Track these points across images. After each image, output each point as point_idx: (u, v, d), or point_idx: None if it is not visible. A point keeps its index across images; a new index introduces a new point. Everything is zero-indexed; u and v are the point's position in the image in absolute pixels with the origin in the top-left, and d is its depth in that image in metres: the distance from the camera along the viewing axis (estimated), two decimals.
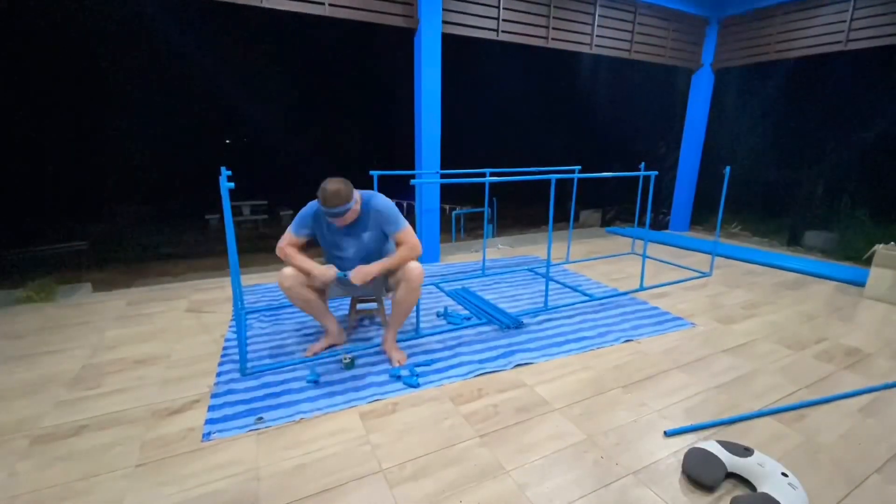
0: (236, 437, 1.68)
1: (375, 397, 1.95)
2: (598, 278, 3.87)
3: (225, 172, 1.92)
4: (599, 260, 4.56)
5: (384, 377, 2.13)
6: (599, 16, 4.88)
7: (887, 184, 5.63)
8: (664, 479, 1.50)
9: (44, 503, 1.37)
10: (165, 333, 2.61)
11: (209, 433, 1.69)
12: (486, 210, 4.25)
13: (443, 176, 4.28)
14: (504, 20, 4.29)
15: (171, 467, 1.52)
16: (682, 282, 3.80)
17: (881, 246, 3.45)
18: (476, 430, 1.74)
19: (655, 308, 3.13)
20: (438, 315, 2.92)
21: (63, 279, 3.67)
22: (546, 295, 3.06)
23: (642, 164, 3.80)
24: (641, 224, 5.51)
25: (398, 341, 2.45)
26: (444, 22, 3.97)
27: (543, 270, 4.00)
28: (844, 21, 4.53)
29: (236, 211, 9.19)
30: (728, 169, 3.70)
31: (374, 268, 2.06)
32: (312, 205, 2.16)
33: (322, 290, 2.27)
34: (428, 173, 4.07)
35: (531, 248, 5.12)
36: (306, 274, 2.11)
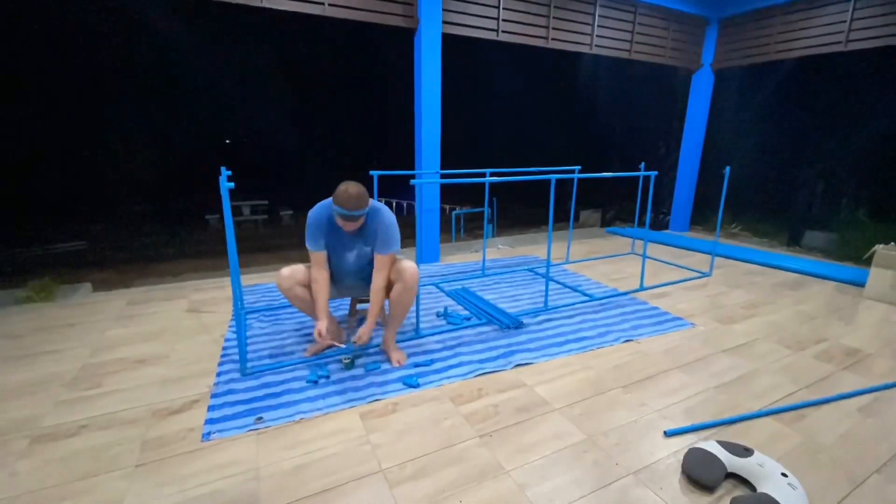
0: (236, 437, 1.68)
1: (375, 397, 1.95)
2: (598, 278, 3.87)
3: (225, 172, 1.92)
4: (599, 260, 4.56)
5: (384, 377, 2.13)
6: (599, 16, 4.88)
7: (887, 184, 5.63)
8: (664, 479, 1.50)
9: (44, 503, 1.37)
10: (165, 333, 2.61)
11: (209, 433, 1.69)
12: (486, 210, 4.25)
13: (443, 176, 4.28)
14: (504, 20, 4.29)
15: (170, 467, 1.52)
16: (682, 282, 3.80)
17: (881, 246, 3.45)
18: (476, 430, 1.74)
19: (655, 308, 3.13)
20: (438, 315, 2.92)
21: (63, 279, 3.67)
22: (546, 295, 3.06)
23: (642, 164, 3.80)
24: (641, 224, 5.51)
25: (398, 341, 2.45)
26: (444, 22, 3.97)
27: (543, 270, 4.00)
28: (844, 21, 4.53)
29: (236, 211, 9.20)
30: (728, 169, 3.70)
31: (371, 324, 2.13)
32: (317, 212, 2.13)
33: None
34: (428, 173, 4.07)
35: (531, 248, 5.12)
36: (314, 314, 2.19)
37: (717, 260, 4.49)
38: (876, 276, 3.44)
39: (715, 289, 3.65)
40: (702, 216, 6.56)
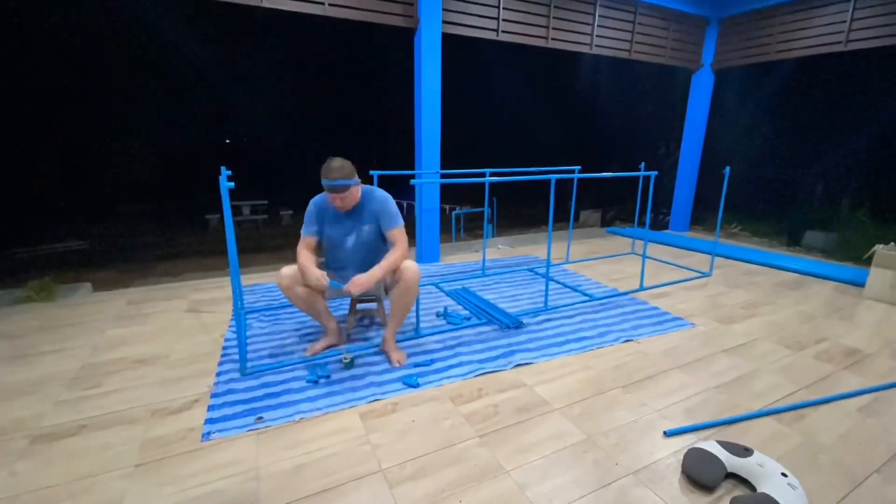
0: (236, 436, 1.68)
1: (375, 397, 1.95)
2: (598, 278, 3.87)
3: (225, 172, 1.92)
4: (599, 260, 4.56)
5: (384, 377, 2.13)
6: (599, 16, 4.88)
7: (887, 184, 5.64)
8: (664, 479, 1.50)
9: (44, 503, 1.37)
10: (165, 333, 2.61)
11: (209, 433, 1.69)
12: (486, 210, 4.25)
13: (443, 176, 4.28)
14: (504, 20, 4.29)
15: (170, 467, 1.52)
16: (682, 282, 3.80)
17: (881, 246, 3.45)
18: (476, 430, 1.74)
19: (655, 308, 3.13)
20: (438, 315, 2.92)
21: (63, 279, 3.67)
22: (546, 295, 3.06)
23: (642, 164, 3.80)
24: (641, 224, 5.51)
25: (398, 341, 2.45)
26: (444, 22, 3.97)
27: (543, 270, 4.00)
28: (844, 21, 4.53)
29: (236, 211, 9.20)
30: (728, 169, 3.70)
31: (370, 278, 2.03)
32: (316, 200, 2.22)
33: (321, 291, 2.27)
34: (428, 173, 4.07)
35: (531, 248, 5.12)
36: (301, 273, 2.12)
37: (717, 260, 4.49)
38: (876, 276, 3.44)
39: (715, 289, 3.65)
40: (702, 216, 6.56)
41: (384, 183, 3.54)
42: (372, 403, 1.92)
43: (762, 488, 1.39)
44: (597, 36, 4.93)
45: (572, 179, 3.54)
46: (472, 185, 6.26)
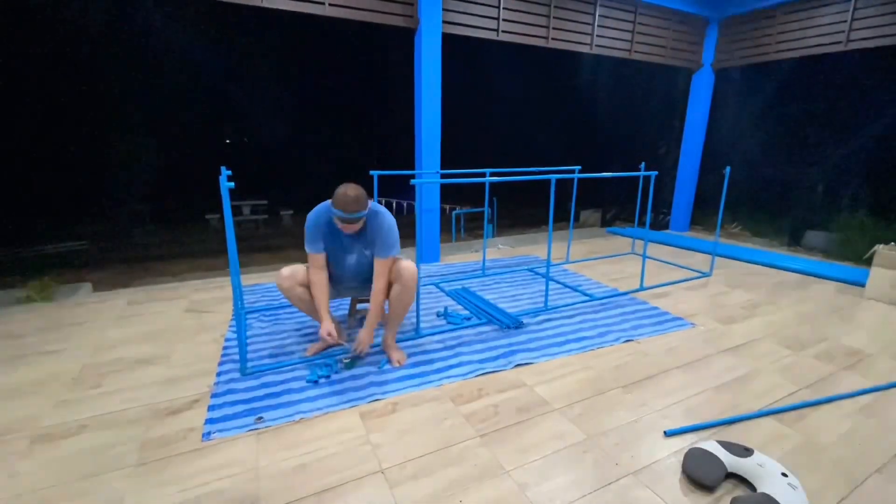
0: (236, 436, 1.68)
1: (375, 397, 1.95)
2: (598, 278, 3.87)
3: (225, 172, 1.92)
4: (599, 260, 4.56)
5: (384, 377, 2.13)
6: (599, 16, 4.88)
7: (887, 184, 5.63)
8: (664, 479, 1.50)
9: (44, 503, 1.37)
10: (165, 333, 2.61)
11: (209, 433, 1.69)
12: (486, 210, 4.25)
13: (443, 176, 4.28)
14: (504, 20, 4.29)
15: (171, 467, 1.52)
16: (682, 282, 3.80)
17: (881, 246, 3.45)
18: (476, 430, 1.74)
19: (655, 308, 3.13)
20: (438, 315, 2.92)
21: (63, 279, 3.67)
22: (546, 295, 3.06)
23: (642, 164, 3.80)
24: (641, 224, 5.50)
25: (399, 341, 2.45)
26: (444, 22, 3.97)
27: (543, 270, 4.00)
28: (845, 21, 4.53)
29: (236, 211, 9.20)
30: (728, 169, 3.70)
31: (370, 329, 2.14)
32: (316, 214, 2.13)
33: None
34: (428, 173, 4.07)
35: (531, 248, 5.12)
36: (315, 309, 2.19)
37: (718, 260, 4.49)
38: (876, 276, 3.44)
39: (715, 289, 3.65)
40: (702, 216, 6.56)
41: (384, 183, 3.55)
42: (372, 403, 1.92)
43: (762, 488, 1.39)
44: (597, 36, 4.93)
45: (572, 179, 3.54)
46: (472, 185, 6.26)
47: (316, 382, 2.06)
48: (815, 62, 5.17)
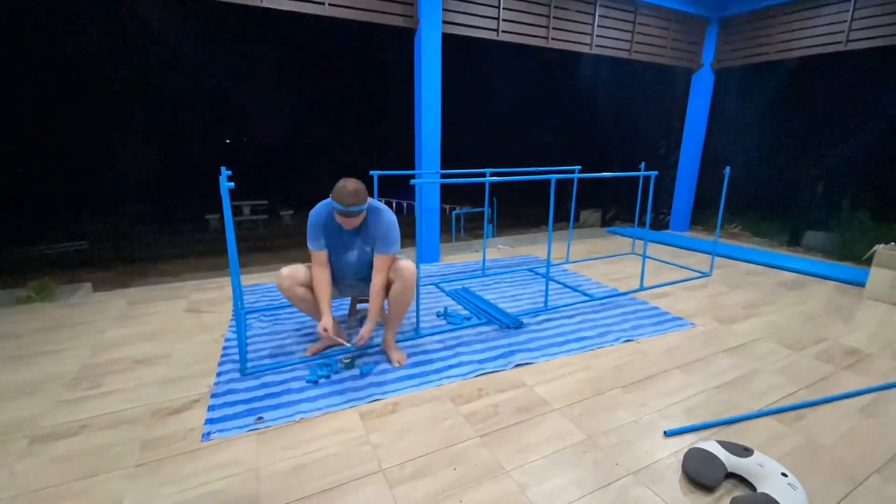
0: (236, 437, 1.68)
1: (375, 397, 1.95)
2: (598, 278, 3.87)
3: (225, 172, 1.92)
4: (599, 260, 4.56)
5: (384, 377, 2.13)
6: (599, 16, 4.88)
7: (887, 184, 5.63)
8: (664, 479, 1.50)
9: (44, 503, 1.37)
10: (165, 333, 2.61)
11: (209, 433, 1.69)
12: (486, 210, 4.25)
13: (443, 176, 4.28)
14: (504, 20, 4.29)
15: (170, 467, 1.52)
16: (682, 282, 3.80)
17: (881, 246, 3.45)
18: (476, 430, 1.74)
19: (655, 308, 3.13)
20: (438, 315, 2.92)
21: (63, 279, 3.67)
22: (546, 295, 3.06)
23: (642, 164, 3.80)
24: (641, 224, 5.50)
25: (399, 341, 2.45)
26: (444, 22, 3.97)
27: (543, 270, 4.00)
28: (844, 21, 4.53)
29: (236, 211, 9.20)
30: (728, 169, 3.70)
31: (371, 325, 2.13)
32: (317, 212, 2.15)
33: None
34: (428, 173, 4.07)
35: (531, 248, 5.12)
36: (316, 305, 2.19)
37: (718, 260, 4.49)
38: (876, 276, 3.44)
39: (715, 289, 3.65)
40: (702, 216, 6.56)
41: (384, 183, 3.55)
42: (372, 403, 1.92)
43: (762, 488, 1.39)
44: (597, 36, 4.93)
45: (572, 179, 3.54)
46: (472, 185, 6.26)
47: (316, 382, 2.06)
48: (815, 62, 5.17)
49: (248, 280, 3.68)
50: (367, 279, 2.24)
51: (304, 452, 1.60)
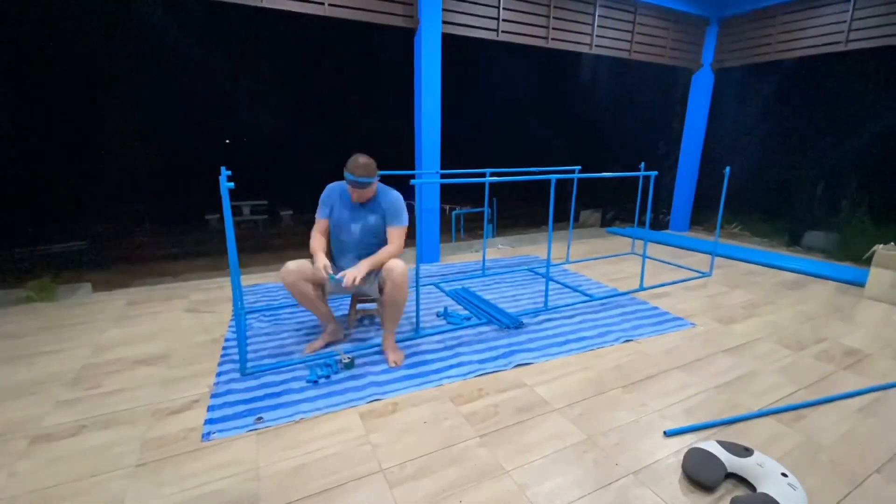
0: (236, 437, 1.68)
1: (375, 397, 1.95)
2: (598, 278, 3.87)
3: (225, 172, 1.92)
4: (599, 260, 4.56)
5: (384, 377, 2.13)
6: (599, 16, 4.88)
7: (887, 184, 5.63)
8: (664, 479, 1.50)
9: (44, 503, 1.37)
10: (165, 333, 2.61)
11: (209, 433, 1.69)
12: (486, 210, 4.25)
13: (443, 176, 4.28)
14: (504, 20, 4.29)
15: (171, 467, 1.52)
16: (682, 282, 3.80)
17: (881, 246, 3.45)
18: (476, 430, 1.74)
19: (655, 308, 3.13)
20: (438, 315, 2.92)
21: (63, 279, 3.67)
22: (546, 295, 3.06)
23: (642, 164, 3.80)
24: (641, 224, 5.51)
25: (398, 341, 2.45)
26: (444, 22, 3.97)
27: (543, 270, 4.00)
28: (844, 21, 4.53)
29: (236, 211, 9.19)
30: (728, 169, 3.70)
31: (362, 269, 2.10)
32: (331, 186, 2.34)
33: (322, 287, 2.29)
34: (428, 173, 4.07)
35: (531, 248, 5.12)
36: (311, 253, 2.22)
37: (717, 260, 4.49)
38: (876, 276, 3.44)
39: (715, 289, 3.65)
40: (702, 216, 6.56)
41: (384, 183, 3.54)
42: (372, 403, 1.92)
43: (762, 488, 1.39)
44: (597, 36, 4.93)
45: (572, 179, 3.54)
46: (472, 185, 6.25)
47: (316, 382, 2.06)
48: (815, 62, 5.17)
49: (247, 280, 3.68)
50: (368, 247, 2.28)
51: (304, 452, 1.60)
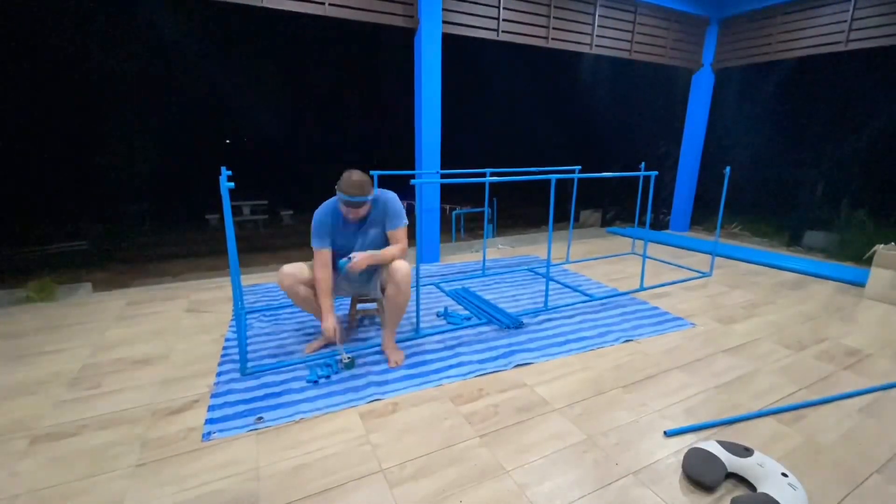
0: (236, 437, 1.68)
1: (375, 397, 1.95)
2: (599, 278, 3.87)
3: (225, 172, 1.92)
4: (599, 260, 4.56)
5: (384, 377, 2.13)
6: (599, 16, 4.88)
7: (887, 184, 5.63)
8: (664, 479, 1.50)
9: (44, 503, 1.37)
10: (165, 333, 2.61)
11: (209, 433, 1.69)
12: (486, 210, 4.25)
13: (443, 176, 4.28)
14: (504, 20, 4.29)
15: (171, 467, 1.52)
16: (682, 282, 3.80)
17: (881, 246, 3.45)
18: (476, 430, 1.74)
19: (655, 308, 3.13)
20: (438, 315, 2.92)
21: (63, 279, 3.67)
22: (546, 295, 3.06)
23: (642, 164, 3.80)
24: (641, 224, 5.50)
25: (398, 341, 2.45)
26: (444, 22, 3.97)
27: (543, 270, 4.00)
28: (845, 21, 4.53)
29: (236, 211, 9.19)
30: (728, 169, 3.70)
31: (365, 256, 2.08)
32: (322, 210, 2.19)
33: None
34: (428, 173, 4.07)
35: (531, 248, 5.12)
36: (318, 309, 2.22)
37: (718, 260, 4.49)
38: (876, 276, 3.44)
39: (715, 289, 3.65)
40: (702, 216, 6.56)
41: (384, 183, 3.55)
42: (372, 403, 1.92)
43: (762, 488, 1.39)
44: (597, 36, 4.93)
45: (572, 179, 3.54)
46: (472, 185, 6.25)
47: (316, 382, 2.06)
48: (815, 62, 5.16)
49: (248, 280, 3.68)
50: (370, 273, 2.26)
51: (304, 452, 1.60)
